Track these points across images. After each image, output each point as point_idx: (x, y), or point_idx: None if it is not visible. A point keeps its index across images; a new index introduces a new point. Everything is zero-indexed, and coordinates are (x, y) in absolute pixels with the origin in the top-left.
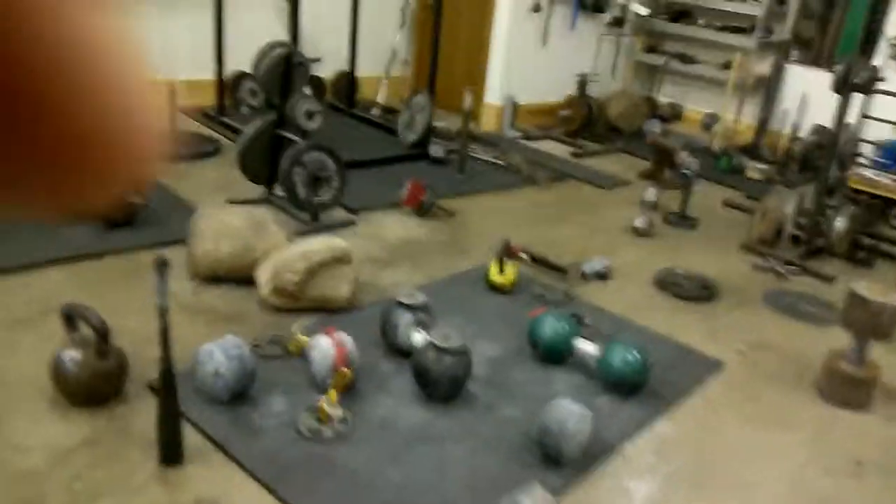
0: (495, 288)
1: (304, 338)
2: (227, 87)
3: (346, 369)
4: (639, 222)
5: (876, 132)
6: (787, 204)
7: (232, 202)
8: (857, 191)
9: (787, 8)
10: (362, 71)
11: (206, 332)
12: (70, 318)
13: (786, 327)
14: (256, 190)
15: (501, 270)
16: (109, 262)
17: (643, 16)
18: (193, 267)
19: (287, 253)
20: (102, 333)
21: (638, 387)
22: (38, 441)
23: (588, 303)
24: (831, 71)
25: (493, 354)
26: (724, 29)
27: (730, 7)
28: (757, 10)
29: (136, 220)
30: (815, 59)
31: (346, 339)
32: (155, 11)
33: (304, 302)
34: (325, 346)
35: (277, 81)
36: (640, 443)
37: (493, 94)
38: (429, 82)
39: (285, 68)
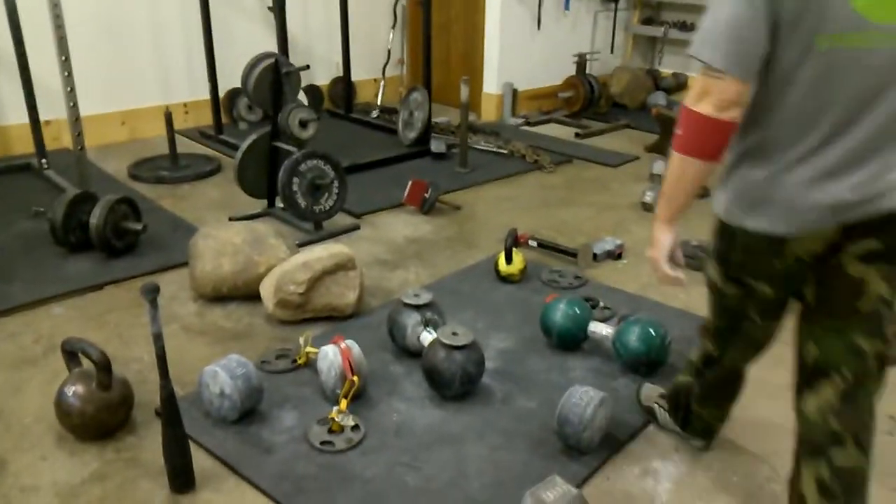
0: (505, 278)
1: (313, 348)
2: (223, 104)
3: (354, 377)
4: (648, 197)
5: None
6: None
7: (233, 219)
8: None
9: None
10: (358, 74)
11: (213, 352)
12: (71, 353)
13: None
14: (258, 204)
15: (509, 260)
16: (111, 291)
17: None
18: (196, 288)
19: (288, 264)
20: (103, 366)
21: (657, 364)
22: (46, 480)
23: (601, 284)
24: None
25: (506, 346)
26: None
27: None
28: None
29: (137, 246)
30: None
31: (353, 345)
32: (147, 36)
33: (310, 312)
34: (331, 356)
35: (268, 93)
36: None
37: (491, 83)
38: (424, 78)
39: (274, 79)
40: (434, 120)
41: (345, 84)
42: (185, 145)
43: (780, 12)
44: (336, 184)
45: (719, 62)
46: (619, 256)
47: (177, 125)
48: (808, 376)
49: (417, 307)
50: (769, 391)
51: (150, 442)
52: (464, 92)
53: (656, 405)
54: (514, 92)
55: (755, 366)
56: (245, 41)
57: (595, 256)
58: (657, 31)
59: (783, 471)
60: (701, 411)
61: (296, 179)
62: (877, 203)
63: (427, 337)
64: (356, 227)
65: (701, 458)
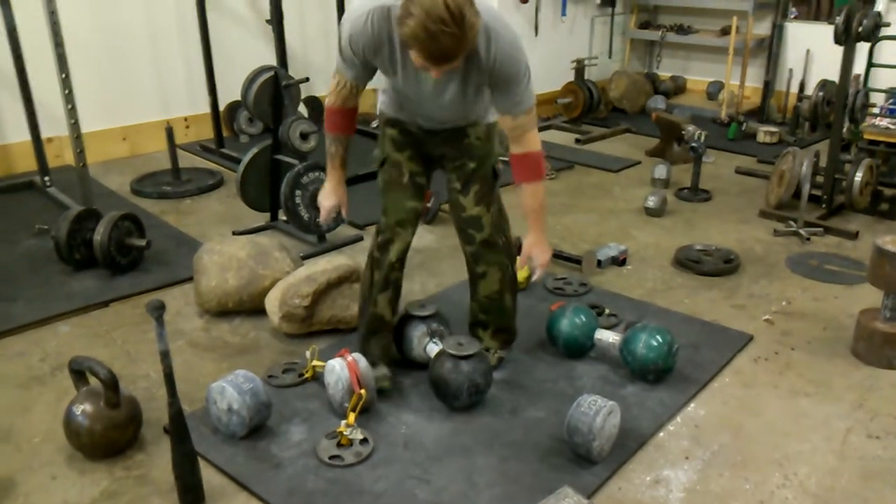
0: None
1: (320, 362)
2: (224, 118)
3: (361, 390)
4: (650, 201)
5: (887, 80)
6: (802, 164)
7: (237, 233)
8: (873, 142)
9: None
10: None
11: (220, 367)
12: (78, 372)
13: (813, 290)
14: (261, 218)
15: None
16: (117, 308)
17: None
18: (201, 303)
19: (293, 278)
20: (111, 384)
21: (665, 371)
22: (57, 499)
23: (607, 291)
24: (832, 23)
25: (513, 355)
26: None
27: None
28: None
29: (141, 262)
30: (815, 13)
31: (360, 358)
32: (146, 52)
33: (316, 325)
34: (338, 369)
35: (268, 106)
36: (673, 429)
37: None
38: None
39: (274, 92)
40: None
41: None
42: (186, 159)
43: None
44: None
45: None
46: (623, 262)
47: (178, 139)
48: None
49: (423, 318)
50: (778, 395)
51: (159, 459)
52: None
53: (495, 356)
54: None
55: (764, 370)
56: (244, 54)
57: (599, 263)
58: (654, 35)
59: (795, 477)
60: None
61: (298, 192)
62: None
63: (433, 348)
64: (359, 239)
65: (712, 463)
